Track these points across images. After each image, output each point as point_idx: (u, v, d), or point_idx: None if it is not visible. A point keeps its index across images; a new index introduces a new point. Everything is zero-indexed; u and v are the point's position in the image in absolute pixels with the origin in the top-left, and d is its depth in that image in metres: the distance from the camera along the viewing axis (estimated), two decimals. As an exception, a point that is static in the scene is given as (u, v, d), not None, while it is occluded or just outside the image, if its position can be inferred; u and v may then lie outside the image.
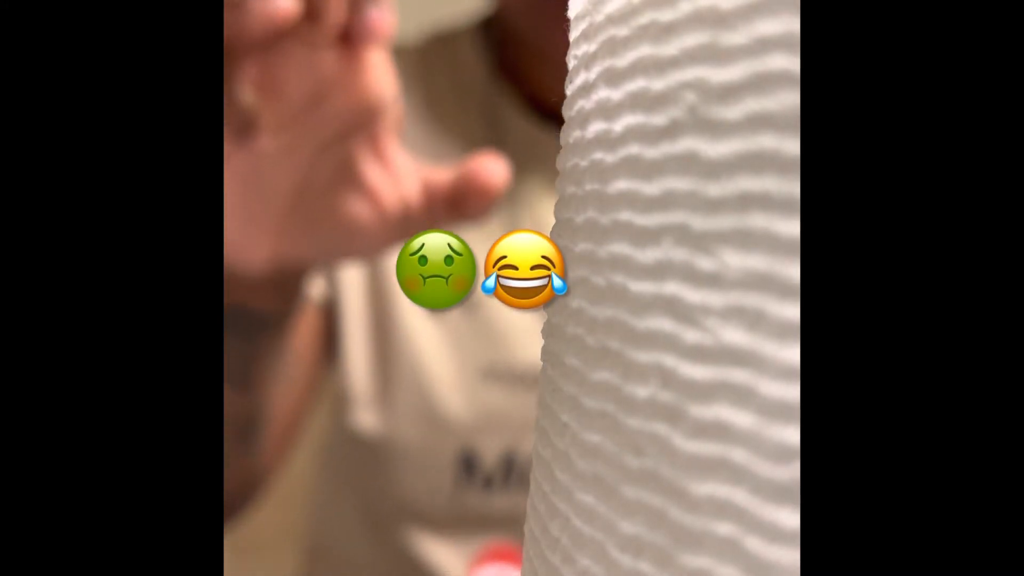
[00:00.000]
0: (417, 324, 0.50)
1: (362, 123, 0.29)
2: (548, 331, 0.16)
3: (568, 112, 0.15)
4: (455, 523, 0.51)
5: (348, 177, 0.29)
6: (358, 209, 0.29)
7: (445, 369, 0.50)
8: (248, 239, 0.29)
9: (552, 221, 0.46)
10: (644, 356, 0.13)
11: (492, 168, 0.29)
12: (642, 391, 0.13)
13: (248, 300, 0.31)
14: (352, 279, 0.50)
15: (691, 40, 0.12)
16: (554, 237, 0.16)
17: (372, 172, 0.29)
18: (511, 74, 0.52)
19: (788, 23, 0.12)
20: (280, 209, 0.30)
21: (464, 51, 0.52)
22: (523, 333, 0.50)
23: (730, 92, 0.12)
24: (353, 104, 0.28)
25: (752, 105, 0.12)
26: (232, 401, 0.35)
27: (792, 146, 0.12)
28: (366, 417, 0.52)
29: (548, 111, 0.52)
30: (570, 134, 0.15)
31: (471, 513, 0.51)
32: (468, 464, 0.50)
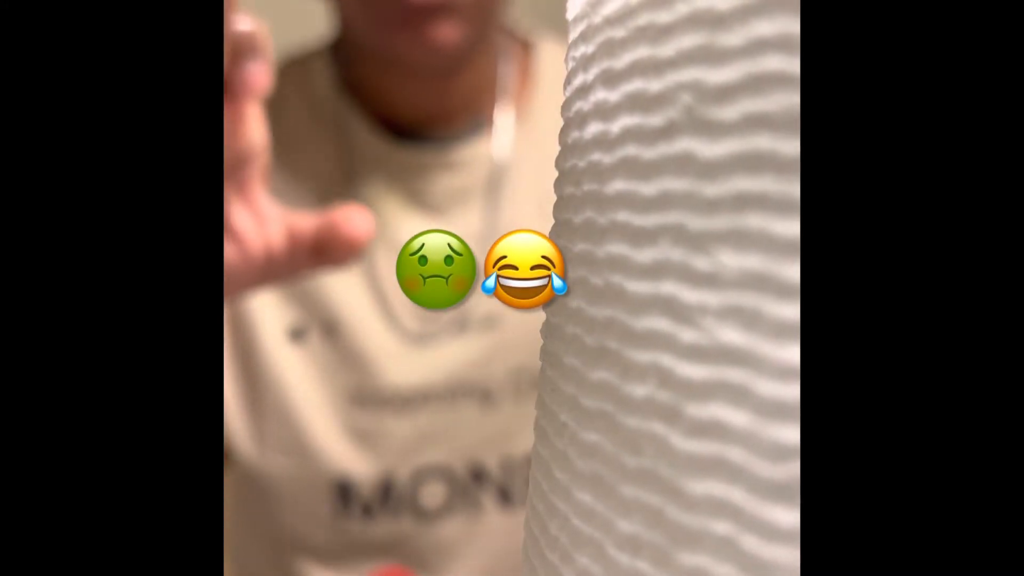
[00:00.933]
0: (281, 353, 0.50)
1: (233, 169, 0.30)
2: (547, 331, 0.17)
3: (566, 113, 0.15)
4: (340, 552, 0.51)
5: None
6: (225, 252, 0.30)
7: (312, 397, 0.50)
8: None
9: (405, 234, 0.46)
10: (642, 356, 0.13)
11: (358, 220, 0.29)
12: (640, 390, 0.13)
13: None
14: None
15: (688, 41, 0.13)
16: (552, 237, 0.16)
17: (239, 217, 0.30)
18: (358, 92, 0.52)
19: (783, 24, 0.12)
20: None
21: (315, 72, 0.53)
22: (387, 356, 0.50)
23: (726, 93, 0.12)
24: (226, 151, 0.29)
25: (748, 106, 0.12)
26: None
27: (788, 146, 0.12)
28: (243, 450, 0.51)
29: (396, 127, 0.52)
30: (568, 135, 0.15)
31: (354, 541, 0.51)
32: (344, 492, 0.50)
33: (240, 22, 0.26)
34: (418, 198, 0.51)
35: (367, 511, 0.51)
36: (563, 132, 0.16)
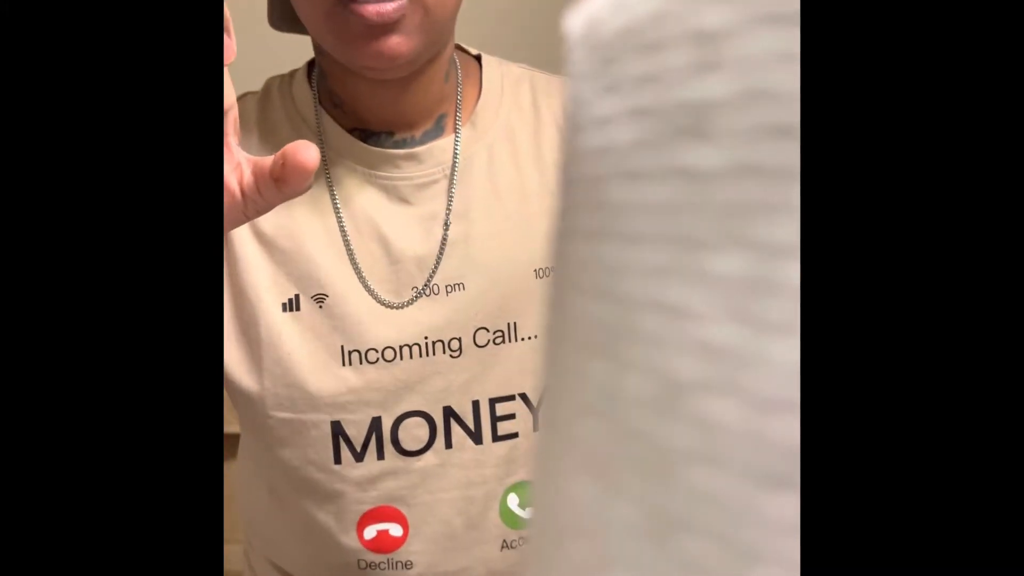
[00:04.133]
0: (278, 322, 0.60)
1: None
2: (547, 327, 0.17)
3: (567, 124, 0.16)
4: (336, 491, 0.62)
5: None
6: None
7: (306, 358, 0.60)
8: None
9: (380, 217, 0.61)
10: (638, 352, 0.14)
11: (306, 150, 0.38)
12: (635, 385, 0.14)
13: None
14: None
15: (685, 56, 0.13)
16: (554, 240, 0.17)
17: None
18: (334, 105, 0.64)
19: (778, 39, 0.12)
20: None
21: (298, 96, 0.65)
22: (367, 320, 0.61)
23: (723, 105, 0.13)
24: None
25: (744, 118, 0.13)
26: None
27: (780, 156, 0.12)
28: (250, 409, 0.61)
29: (367, 132, 0.64)
30: (569, 145, 0.16)
31: (347, 479, 0.61)
32: (338, 438, 0.61)
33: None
34: (390, 188, 0.62)
35: (357, 453, 0.61)
36: (566, 141, 0.16)
